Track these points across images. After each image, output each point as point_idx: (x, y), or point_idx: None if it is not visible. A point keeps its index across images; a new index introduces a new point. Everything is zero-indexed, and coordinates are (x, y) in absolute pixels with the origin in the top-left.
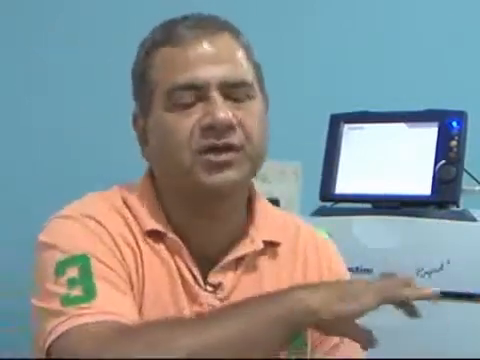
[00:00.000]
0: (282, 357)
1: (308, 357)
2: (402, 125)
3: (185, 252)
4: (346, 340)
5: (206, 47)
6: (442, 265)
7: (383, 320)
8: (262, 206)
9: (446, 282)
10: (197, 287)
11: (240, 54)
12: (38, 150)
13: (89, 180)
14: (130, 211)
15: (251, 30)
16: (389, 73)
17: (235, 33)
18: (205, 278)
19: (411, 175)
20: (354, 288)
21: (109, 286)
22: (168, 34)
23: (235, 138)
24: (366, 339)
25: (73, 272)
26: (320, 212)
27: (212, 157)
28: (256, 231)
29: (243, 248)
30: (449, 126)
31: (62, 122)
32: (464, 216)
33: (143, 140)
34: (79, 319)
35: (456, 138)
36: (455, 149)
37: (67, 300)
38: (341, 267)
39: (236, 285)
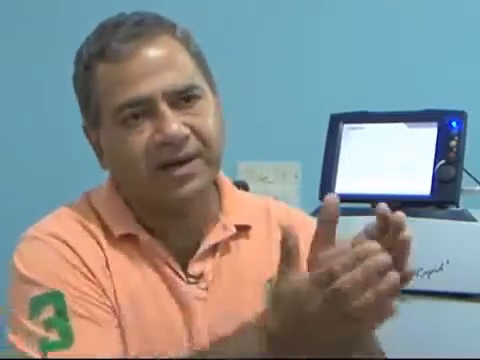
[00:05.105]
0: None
1: None
2: (402, 125)
3: (161, 250)
4: None
5: (143, 59)
6: (442, 265)
7: None
8: (229, 191)
9: (446, 282)
10: (179, 280)
11: (180, 55)
12: (37, 151)
13: (88, 181)
14: (99, 218)
15: (251, 30)
16: (389, 73)
17: (171, 31)
18: (185, 270)
19: (411, 175)
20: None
21: (85, 323)
22: (102, 49)
23: (191, 147)
24: None
25: (49, 312)
26: None
27: (172, 172)
28: (227, 217)
29: (216, 235)
30: (449, 126)
31: (62, 122)
32: (463, 216)
33: (99, 152)
34: None
35: (456, 138)
36: (455, 149)
37: (45, 346)
38: None
39: (216, 272)
